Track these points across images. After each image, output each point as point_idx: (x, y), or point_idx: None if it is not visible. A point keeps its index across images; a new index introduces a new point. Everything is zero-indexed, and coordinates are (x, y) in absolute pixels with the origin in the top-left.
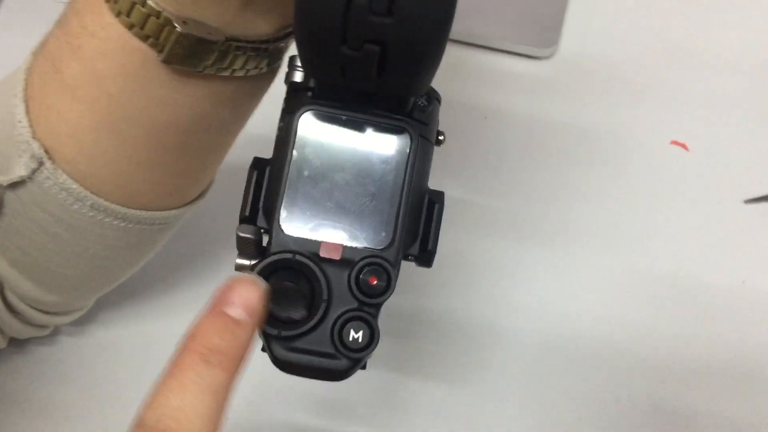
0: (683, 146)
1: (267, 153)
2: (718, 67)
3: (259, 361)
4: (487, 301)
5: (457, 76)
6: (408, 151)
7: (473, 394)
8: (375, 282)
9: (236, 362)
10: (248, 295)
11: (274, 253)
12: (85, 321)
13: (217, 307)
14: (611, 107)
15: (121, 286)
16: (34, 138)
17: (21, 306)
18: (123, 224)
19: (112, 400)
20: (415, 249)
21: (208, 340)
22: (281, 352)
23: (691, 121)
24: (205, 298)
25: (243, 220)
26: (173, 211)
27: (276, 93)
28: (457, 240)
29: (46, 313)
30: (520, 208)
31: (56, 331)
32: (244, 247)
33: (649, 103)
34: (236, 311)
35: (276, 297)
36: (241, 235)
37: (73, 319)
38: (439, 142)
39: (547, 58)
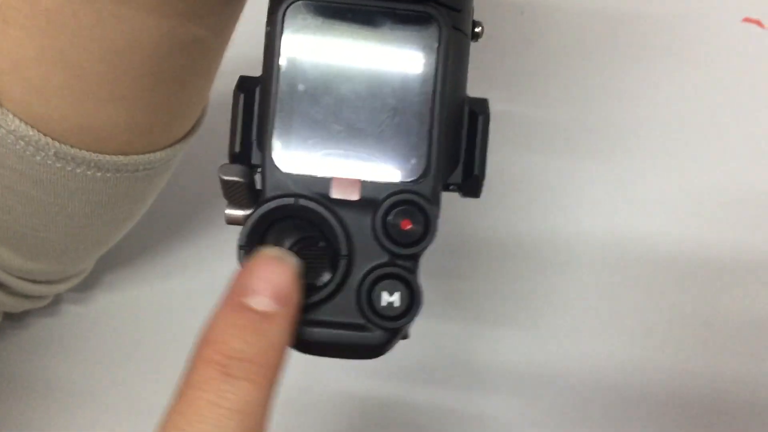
0: (758, 23)
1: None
2: None
3: None
4: (543, 228)
5: None
6: (437, 46)
7: (538, 331)
8: (409, 226)
9: (270, 371)
10: (275, 278)
11: (270, 199)
12: (87, 286)
13: (235, 298)
14: None
15: (123, 244)
16: None
17: (5, 277)
18: (99, 174)
19: (122, 372)
20: (457, 176)
21: (226, 344)
22: (297, 328)
23: None
24: (220, 251)
25: (234, 158)
26: (158, 153)
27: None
28: (501, 159)
29: (37, 282)
30: (571, 117)
31: (57, 300)
32: (233, 193)
33: None
34: (262, 301)
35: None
36: (225, 178)
37: (72, 285)
38: (475, 36)
39: None
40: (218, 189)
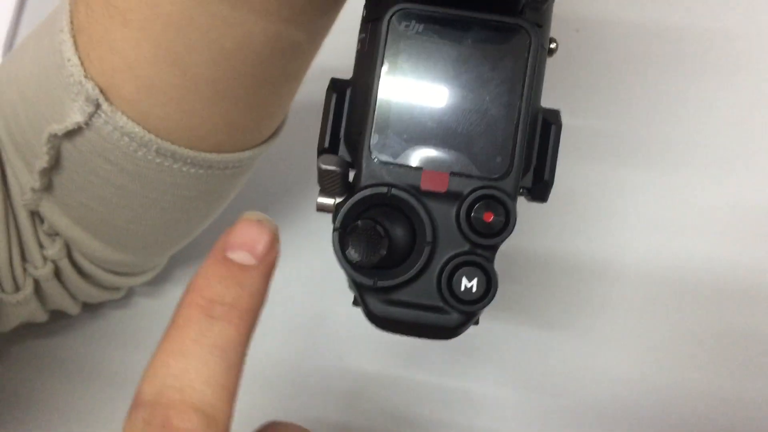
0: None
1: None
2: None
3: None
4: (589, 236)
5: None
6: (527, 56)
7: (579, 339)
8: (491, 218)
9: (247, 314)
10: (254, 236)
11: (365, 187)
12: (160, 281)
13: (217, 253)
14: (727, 4)
15: (195, 241)
16: (86, 77)
17: (91, 268)
18: (193, 170)
19: None
20: (527, 180)
21: (209, 290)
22: (379, 306)
23: None
24: (286, 250)
25: (322, 152)
26: (247, 152)
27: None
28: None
29: (118, 273)
30: (621, 130)
31: (130, 293)
32: (328, 182)
33: None
34: (240, 254)
35: (369, 240)
36: (324, 167)
37: (147, 280)
38: (551, 52)
39: None
40: (286, 188)
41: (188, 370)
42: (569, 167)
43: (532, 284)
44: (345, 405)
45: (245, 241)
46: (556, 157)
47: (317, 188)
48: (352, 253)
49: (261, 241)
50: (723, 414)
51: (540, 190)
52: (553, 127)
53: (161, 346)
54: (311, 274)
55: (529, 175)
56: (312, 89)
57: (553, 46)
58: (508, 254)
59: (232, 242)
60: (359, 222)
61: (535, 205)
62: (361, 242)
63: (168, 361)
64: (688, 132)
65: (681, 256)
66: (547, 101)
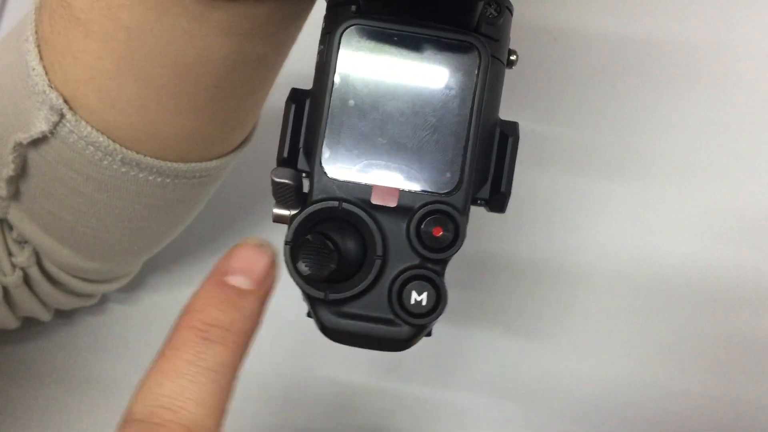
0: None
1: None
2: None
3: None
4: (563, 244)
5: None
6: (477, 72)
7: (554, 345)
8: (440, 233)
9: (241, 338)
10: (253, 261)
11: (316, 201)
12: (133, 287)
13: (216, 276)
14: (700, 19)
15: (169, 247)
16: (50, 87)
17: (61, 275)
18: (160, 179)
19: None
20: (485, 191)
21: (207, 314)
22: (330, 318)
23: None
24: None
25: (281, 162)
26: (214, 162)
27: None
28: (527, 176)
29: (89, 281)
30: (596, 139)
31: (104, 299)
32: (282, 195)
33: (751, 7)
34: (240, 280)
35: (319, 253)
36: (277, 180)
37: (119, 286)
38: (510, 63)
39: None
40: (256, 196)
41: (182, 391)
42: (543, 174)
43: (506, 291)
44: (323, 415)
45: (244, 266)
46: (513, 168)
47: None
48: (303, 267)
49: (259, 266)
50: (702, 416)
51: (498, 201)
52: (510, 140)
53: (155, 366)
54: (292, 283)
55: (487, 187)
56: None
57: (513, 57)
58: (480, 262)
59: (231, 266)
60: (309, 236)
61: (509, 213)
62: (311, 256)
63: (161, 380)
64: (659, 141)
65: (652, 260)
66: (520, 111)
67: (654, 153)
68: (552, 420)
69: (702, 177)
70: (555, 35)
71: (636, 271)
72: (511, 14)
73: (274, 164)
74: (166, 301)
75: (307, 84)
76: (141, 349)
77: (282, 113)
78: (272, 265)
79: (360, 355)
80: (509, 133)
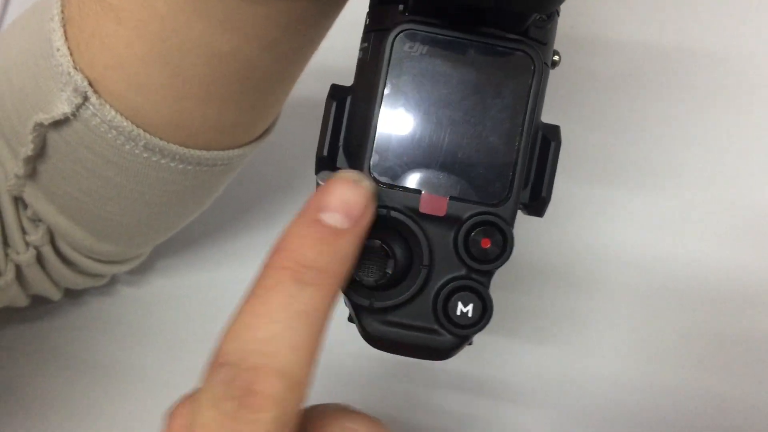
0: None
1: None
2: None
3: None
4: (579, 248)
5: None
6: (530, 81)
7: (569, 350)
8: (488, 245)
9: (336, 280)
10: (350, 198)
11: None
12: (143, 269)
13: (310, 213)
14: (718, 25)
15: (179, 231)
16: (75, 69)
17: (74, 255)
18: (181, 166)
19: (172, 353)
20: (525, 196)
21: (301, 254)
22: (374, 326)
23: None
24: (268, 244)
25: (320, 160)
26: (236, 151)
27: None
28: None
29: (102, 262)
30: (616, 146)
31: (113, 280)
32: None
33: None
34: (334, 217)
35: (366, 261)
36: (323, 184)
37: (130, 268)
38: (554, 64)
39: None
40: (270, 187)
41: (275, 335)
42: (562, 180)
43: (522, 294)
44: None
45: (340, 202)
46: (554, 174)
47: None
48: (360, 273)
49: (356, 204)
50: (720, 416)
51: (537, 206)
52: (552, 144)
53: (246, 307)
54: None
55: (527, 191)
56: (311, 87)
57: (556, 58)
58: (508, 265)
59: (327, 203)
60: (367, 241)
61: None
62: (368, 261)
63: (254, 323)
64: (680, 150)
65: (670, 265)
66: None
67: (675, 161)
68: (567, 423)
69: (722, 186)
70: (580, 42)
71: (653, 276)
72: (558, 16)
73: (285, 153)
74: (175, 285)
75: (324, 77)
76: (148, 331)
77: (295, 105)
78: (369, 202)
79: (379, 359)
80: (551, 137)
